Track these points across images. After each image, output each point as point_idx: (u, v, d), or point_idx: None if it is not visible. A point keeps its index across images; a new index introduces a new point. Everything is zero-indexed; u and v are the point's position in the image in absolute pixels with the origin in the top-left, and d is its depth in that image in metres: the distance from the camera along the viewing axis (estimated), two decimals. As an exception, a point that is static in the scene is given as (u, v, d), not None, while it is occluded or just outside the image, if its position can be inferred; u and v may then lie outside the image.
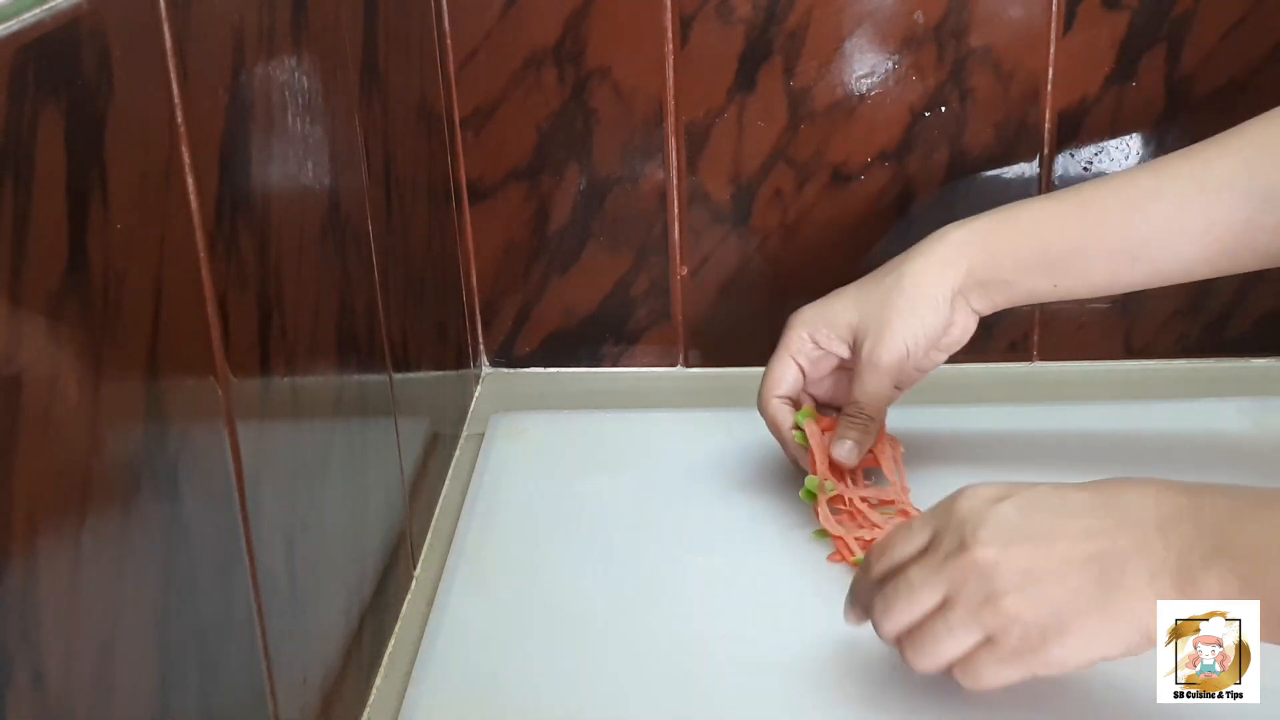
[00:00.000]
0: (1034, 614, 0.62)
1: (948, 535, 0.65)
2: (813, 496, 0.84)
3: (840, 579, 0.79)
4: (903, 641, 0.67)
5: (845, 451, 0.84)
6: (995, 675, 0.64)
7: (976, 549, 0.63)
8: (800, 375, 0.87)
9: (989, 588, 0.63)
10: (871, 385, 0.84)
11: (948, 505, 0.66)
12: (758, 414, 1.00)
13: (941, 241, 0.84)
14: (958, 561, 0.64)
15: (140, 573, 0.47)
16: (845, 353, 0.86)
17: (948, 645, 0.64)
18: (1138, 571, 0.61)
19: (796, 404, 0.88)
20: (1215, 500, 0.61)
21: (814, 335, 0.86)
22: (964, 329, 0.85)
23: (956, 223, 0.85)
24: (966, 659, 0.64)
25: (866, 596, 0.68)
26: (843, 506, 0.84)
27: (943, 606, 0.64)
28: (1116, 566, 0.61)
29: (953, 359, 1.09)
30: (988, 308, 0.84)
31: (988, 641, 0.63)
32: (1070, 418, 1.00)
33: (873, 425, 0.85)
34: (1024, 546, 0.63)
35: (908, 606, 0.65)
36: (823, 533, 0.84)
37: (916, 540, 0.66)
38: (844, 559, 0.82)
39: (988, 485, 0.66)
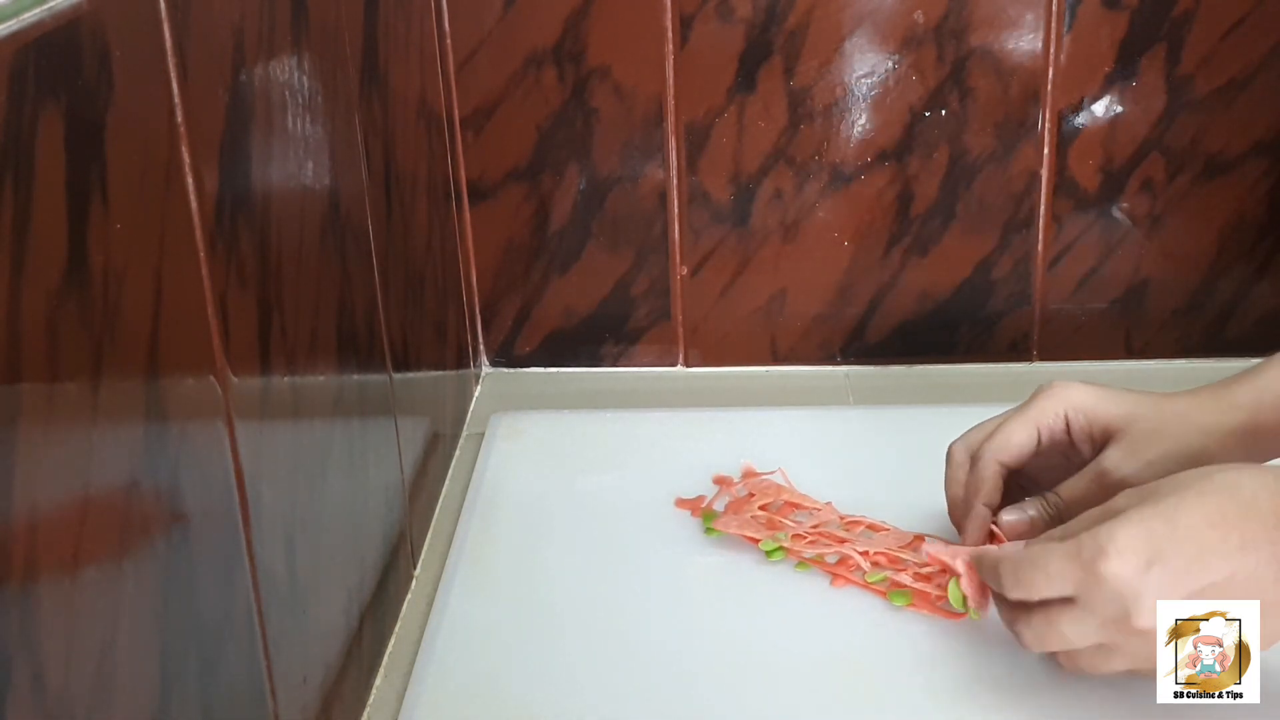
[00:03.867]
0: None
1: (1101, 602, 0.64)
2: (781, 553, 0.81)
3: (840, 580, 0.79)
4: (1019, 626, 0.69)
5: (1013, 518, 0.75)
6: (1106, 670, 0.67)
7: (1141, 619, 0.64)
8: (1035, 447, 0.77)
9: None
10: (1094, 498, 0.72)
11: (1091, 566, 0.64)
12: (757, 414, 1.01)
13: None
14: (1120, 629, 0.65)
15: (140, 573, 0.47)
16: (1087, 453, 0.76)
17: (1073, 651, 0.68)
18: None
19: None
20: None
21: (1071, 418, 0.76)
22: None
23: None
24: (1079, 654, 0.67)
25: (1009, 614, 0.70)
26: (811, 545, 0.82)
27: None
28: (1256, 587, 0.63)
29: (953, 359, 1.10)
30: None
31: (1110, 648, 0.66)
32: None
33: (1054, 524, 0.74)
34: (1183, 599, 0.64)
35: (1060, 648, 0.68)
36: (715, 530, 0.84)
37: (1056, 586, 0.65)
38: (849, 580, 0.79)
39: (1125, 539, 0.63)
